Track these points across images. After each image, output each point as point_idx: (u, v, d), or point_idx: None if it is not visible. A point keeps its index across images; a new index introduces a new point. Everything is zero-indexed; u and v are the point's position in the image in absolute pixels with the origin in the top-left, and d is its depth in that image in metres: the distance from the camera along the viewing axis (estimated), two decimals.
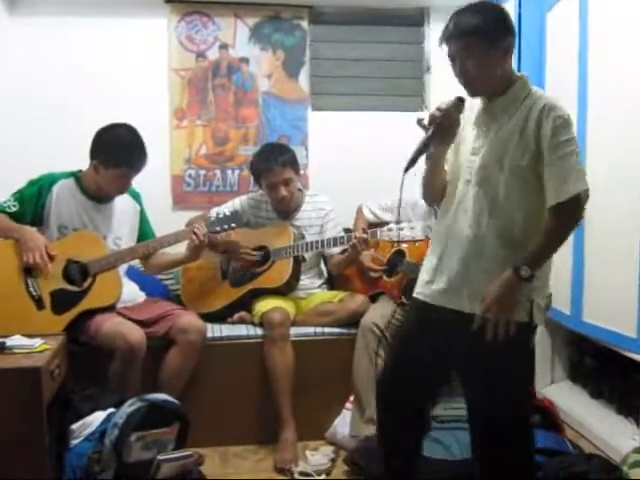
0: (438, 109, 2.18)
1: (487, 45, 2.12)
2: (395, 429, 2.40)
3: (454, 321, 2.21)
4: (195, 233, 3.09)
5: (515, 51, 3.63)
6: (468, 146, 2.25)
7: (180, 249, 3.24)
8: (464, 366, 2.26)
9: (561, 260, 3.29)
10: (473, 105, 2.29)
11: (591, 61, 3.05)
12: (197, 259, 3.25)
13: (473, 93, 2.23)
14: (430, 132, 2.19)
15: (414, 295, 2.36)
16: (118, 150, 3.08)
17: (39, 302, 2.98)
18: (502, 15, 2.19)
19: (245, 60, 4.15)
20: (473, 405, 2.28)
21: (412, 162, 2.18)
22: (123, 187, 3.17)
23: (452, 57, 2.18)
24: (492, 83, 2.19)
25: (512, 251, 2.14)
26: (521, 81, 2.22)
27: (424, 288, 2.32)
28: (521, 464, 2.24)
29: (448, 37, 2.16)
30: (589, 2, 3.04)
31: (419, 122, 2.23)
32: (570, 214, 2.11)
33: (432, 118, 2.19)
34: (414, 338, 2.34)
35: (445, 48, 2.19)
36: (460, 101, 2.20)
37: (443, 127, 2.18)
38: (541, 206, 2.13)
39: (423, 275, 2.35)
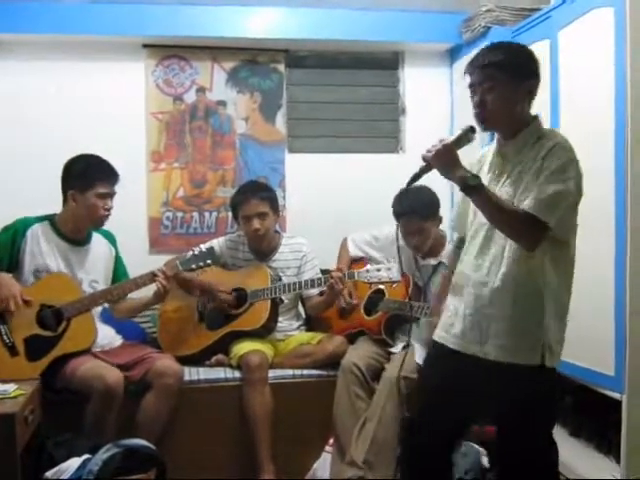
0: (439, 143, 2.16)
1: (511, 81, 2.13)
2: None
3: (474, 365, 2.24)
4: (155, 275, 3.08)
5: None
6: None
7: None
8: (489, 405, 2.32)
9: None
10: (485, 156, 2.33)
11: (562, 100, 3.12)
12: (162, 301, 3.28)
13: (486, 127, 2.22)
14: (423, 166, 2.20)
15: (436, 338, 2.39)
16: (92, 171, 3.09)
17: (12, 349, 2.93)
18: (531, 57, 2.22)
19: (222, 103, 4.17)
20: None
21: (413, 179, 2.23)
22: (102, 213, 3.12)
23: (473, 87, 2.19)
24: (508, 119, 2.19)
25: (523, 298, 2.16)
26: (535, 122, 2.22)
27: (445, 332, 2.34)
28: None
29: (475, 66, 2.17)
30: (559, 42, 3.13)
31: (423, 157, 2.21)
32: (526, 228, 2.09)
33: (425, 155, 2.18)
34: (441, 382, 2.34)
35: (467, 79, 2.21)
36: (472, 130, 2.19)
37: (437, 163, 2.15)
38: (558, 250, 2.15)
39: (445, 318, 2.37)
